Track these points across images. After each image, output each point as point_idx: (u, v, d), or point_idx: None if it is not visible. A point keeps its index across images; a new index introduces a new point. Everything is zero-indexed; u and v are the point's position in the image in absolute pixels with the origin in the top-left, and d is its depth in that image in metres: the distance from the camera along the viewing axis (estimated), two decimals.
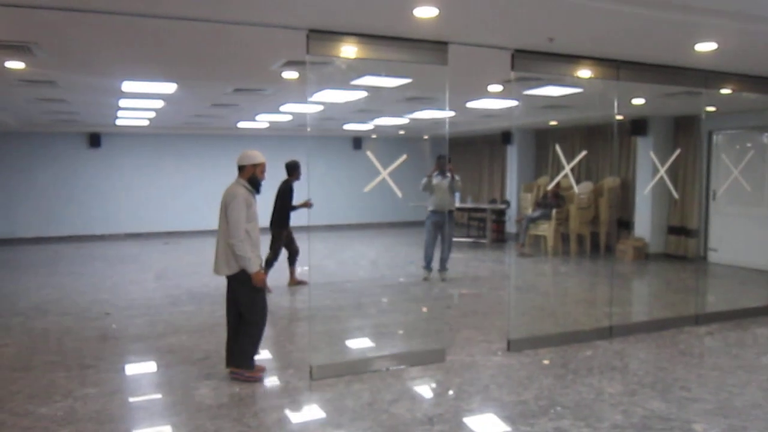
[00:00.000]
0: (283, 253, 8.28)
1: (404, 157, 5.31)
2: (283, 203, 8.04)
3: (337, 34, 4.68)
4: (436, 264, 8.85)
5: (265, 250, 5.92)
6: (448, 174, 8.58)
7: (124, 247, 12.82)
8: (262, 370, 4.90)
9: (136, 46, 5.24)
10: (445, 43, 4.98)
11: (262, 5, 4.02)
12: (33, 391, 4.57)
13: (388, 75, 6.35)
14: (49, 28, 4.51)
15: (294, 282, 8.44)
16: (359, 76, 6.29)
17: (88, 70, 6.37)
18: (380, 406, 4.30)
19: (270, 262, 8.04)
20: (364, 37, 4.76)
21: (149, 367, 5.23)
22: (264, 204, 5.02)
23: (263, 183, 4.94)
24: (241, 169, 4.83)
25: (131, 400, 4.50)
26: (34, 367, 5.14)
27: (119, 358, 5.41)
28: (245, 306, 4.79)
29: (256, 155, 4.85)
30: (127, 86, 7.41)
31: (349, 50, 4.77)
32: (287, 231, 8.21)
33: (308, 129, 10.69)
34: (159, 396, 4.60)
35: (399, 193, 5.21)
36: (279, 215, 8.08)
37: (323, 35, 4.62)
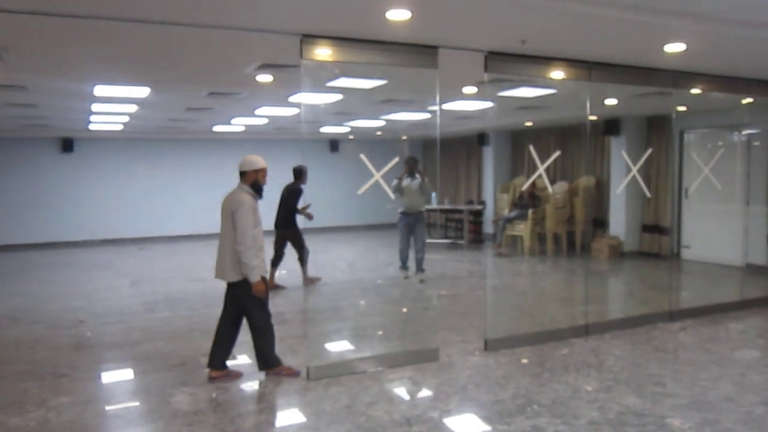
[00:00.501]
0: (271, 254, 8.31)
1: (396, 159, 5.38)
2: (289, 205, 8.31)
3: (328, 39, 4.71)
4: (412, 263, 8.90)
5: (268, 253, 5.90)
6: (418, 176, 8.66)
7: (99, 253, 12.62)
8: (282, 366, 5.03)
9: (108, 51, 5.17)
10: (434, 47, 5.02)
11: (258, 10, 4.01)
12: (4, 402, 4.48)
13: (374, 77, 6.39)
14: (19, 32, 4.43)
15: (272, 285, 8.41)
16: (342, 77, 6.32)
17: (59, 74, 6.27)
18: (358, 408, 4.29)
19: (304, 258, 8.42)
20: (354, 41, 4.80)
21: (125, 374, 5.17)
22: (261, 208, 5.02)
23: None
24: (243, 174, 4.85)
25: (107, 408, 4.44)
26: (6, 377, 5.04)
27: (94, 367, 5.33)
28: (253, 312, 4.84)
29: (258, 160, 4.87)
30: (100, 90, 7.30)
31: (340, 54, 4.80)
32: (287, 231, 8.38)
33: (303, 131, 10.67)
34: (135, 404, 4.55)
35: (392, 195, 5.25)
36: (285, 217, 8.33)
37: (316, 39, 4.66)
